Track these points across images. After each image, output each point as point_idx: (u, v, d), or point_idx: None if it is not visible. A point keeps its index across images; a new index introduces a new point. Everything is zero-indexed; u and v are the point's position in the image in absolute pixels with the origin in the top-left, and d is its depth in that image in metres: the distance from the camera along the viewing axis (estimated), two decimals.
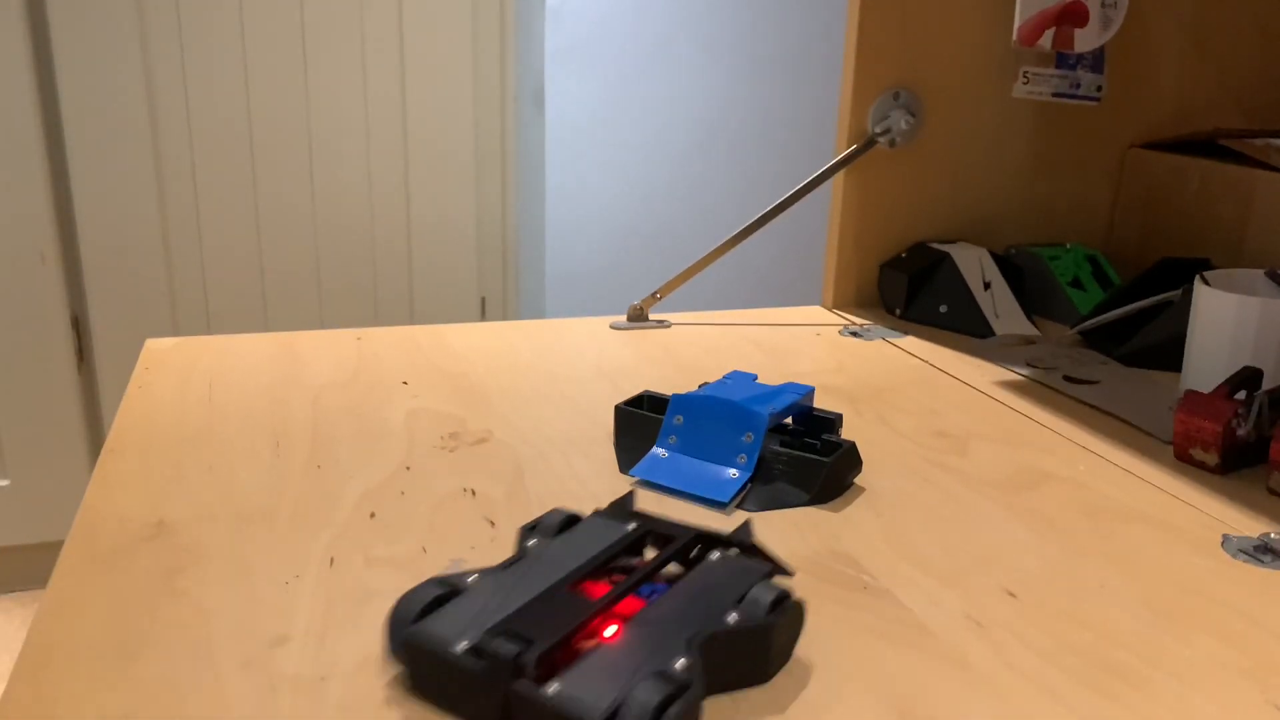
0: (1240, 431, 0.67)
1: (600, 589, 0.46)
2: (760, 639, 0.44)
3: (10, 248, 1.65)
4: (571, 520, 0.51)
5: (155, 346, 0.85)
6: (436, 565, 0.53)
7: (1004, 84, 1.02)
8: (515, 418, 0.73)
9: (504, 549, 0.55)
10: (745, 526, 0.51)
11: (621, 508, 0.53)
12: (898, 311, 1.00)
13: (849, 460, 0.63)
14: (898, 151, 1.01)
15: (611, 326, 0.95)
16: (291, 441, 0.68)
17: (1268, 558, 0.56)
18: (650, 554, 0.49)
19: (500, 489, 0.62)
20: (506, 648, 0.40)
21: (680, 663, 0.41)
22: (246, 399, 0.75)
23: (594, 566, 0.47)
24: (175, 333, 1.78)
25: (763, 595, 0.44)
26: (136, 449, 0.66)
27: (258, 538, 0.55)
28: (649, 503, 0.61)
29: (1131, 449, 0.70)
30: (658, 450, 0.65)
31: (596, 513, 0.52)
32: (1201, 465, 0.67)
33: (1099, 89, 1.02)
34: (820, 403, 0.77)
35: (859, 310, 1.03)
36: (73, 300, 1.72)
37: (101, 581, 0.51)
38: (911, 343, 0.93)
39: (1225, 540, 0.58)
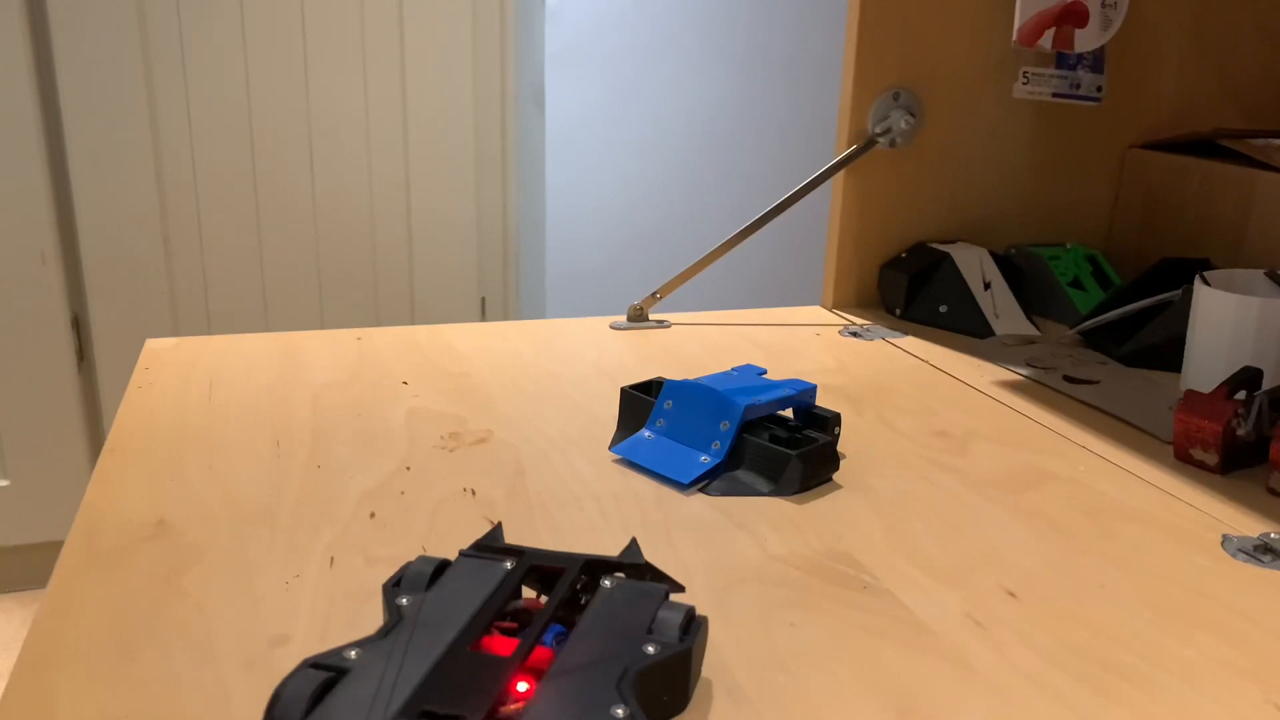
0: (1240, 431, 0.67)
1: (499, 642, 0.41)
2: (680, 666, 0.41)
3: (10, 248, 1.65)
4: (440, 567, 0.46)
5: (155, 346, 0.85)
6: None
7: (1004, 84, 1.02)
8: (516, 417, 0.73)
9: None
10: (633, 546, 0.48)
11: (491, 544, 0.48)
12: (898, 312, 1.00)
13: (820, 456, 0.63)
14: (898, 151, 1.01)
15: (611, 326, 0.95)
16: (292, 441, 0.68)
17: (1268, 558, 0.56)
18: (529, 590, 0.46)
19: (500, 489, 0.62)
20: None
21: (620, 711, 0.37)
22: (247, 399, 0.75)
23: (490, 615, 0.42)
24: (175, 333, 1.78)
25: (672, 618, 0.42)
26: (136, 449, 0.66)
27: (258, 537, 0.55)
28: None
29: (1131, 449, 0.70)
30: (645, 432, 0.68)
31: (464, 553, 0.47)
32: (1201, 465, 0.67)
33: (1099, 89, 1.02)
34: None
35: (859, 310, 1.03)
36: (73, 300, 1.72)
37: (102, 581, 0.51)
38: (911, 343, 0.93)
39: (1225, 540, 0.58)
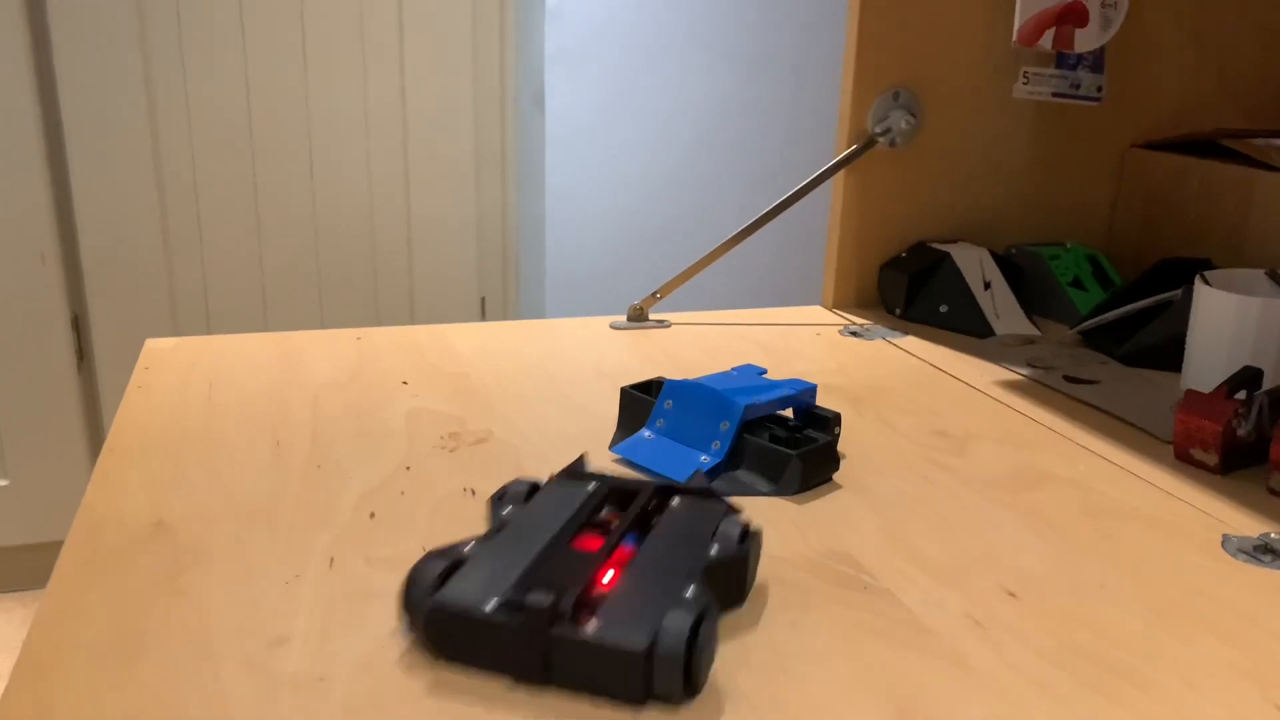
0: (1240, 431, 0.67)
1: (590, 541, 0.49)
2: (739, 566, 0.49)
3: (10, 248, 1.65)
4: (534, 488, 0.54)
5: (155, 346, 0.85)
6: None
7: (1004, 84, 1.02)
8: (515, 418, 0.73)
9: None
10: (697, 475, 0.57)
11: (577, 471, 0.56)
12: (898, 311, 1.00)
13: (820, 456, 0.63)
14: (898, 151, 1.01)
15: (611, 326, 0.95)
16: (291, 441, 0.68)
17: (1268, 558, 0.56)
18: (607, 511, 0.53)
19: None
20: (541, 598, 0.43)
21: (691, 591, 0.45)
22: (246, 399, 0.75)
23: (578, 523, 0.51)
24: (175, 333, 1.78)
25: (731, 529, 0.50)
26: (136, 449, 0.66)
27: (258, 538, 0.55)
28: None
29: (1131, 449, 0.70)
30: (645, 432, 0.68)
31: (554, 478, 0.55)
32: (1201, 465, 0.67)
33: (1099, 89, 1.02)
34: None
35: (859, 310, 1.03)
36: (73, 300, 1.72)
37: (101, 581, 0.51)
38: (911, 343, 0.93)
39: (1225, 540, 0.58)
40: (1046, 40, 0.96)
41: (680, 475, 0.63)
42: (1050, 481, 0.65)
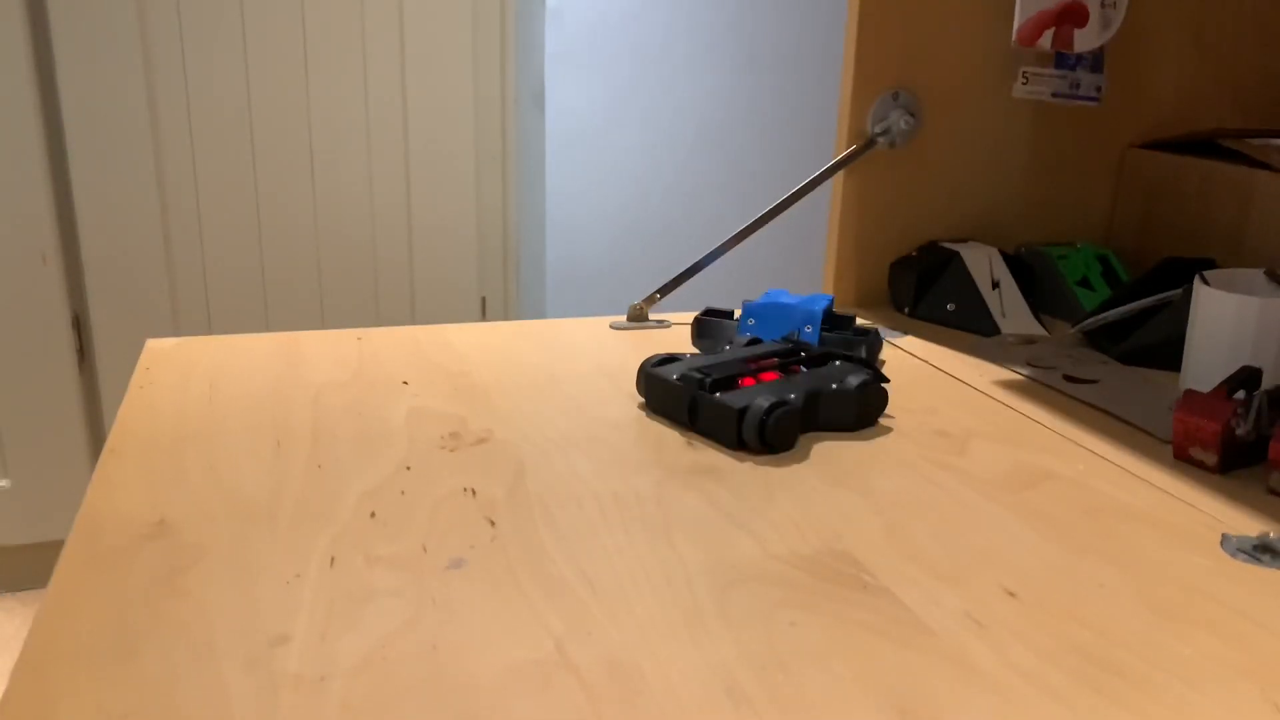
0: (1239, 431, 0.67)
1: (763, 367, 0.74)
2: (847, 400, 0.71)
3: (11, 248, 1.65)
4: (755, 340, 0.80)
5: (156, 346, 0.85)
6: (437, 564, 0.53)
7: (1003, 84, 1.02)
8: (516, 417, 0.73)
9: (504, 548, 0.55)
10: (874, 335, 0.83)
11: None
12: (906, 309, 1.00)
13: (879, 344, 0.84)
14: (897, 152, 1.01)
15: (611, 326, 0.95)
16: (292, 441, 0.68)
17: (1267, 557, 0.56)
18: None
19: (500, 489, 0.62)
20: (695, 376, 0.70)
21: (791, 397, 0.69)
22: (247, 399, 0.75)
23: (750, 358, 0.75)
24: (176, 333, 1.78)
25: (855, 378, 0.71)
26: (137, 449, 0.66)
27: (258, 537, 0.55)
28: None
29: (1131, 448, 0.71)
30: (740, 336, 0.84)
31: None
32: (1201, 464, 0.67)
33: (1099, 89, 1.02)
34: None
35: (859, 310, 1.03)
36: (74, 300, 1.72)
37: (102, 581, 0.51)
38: (912, 342, 0.93)
39: (1224, 540, 0.58)
40: (1046, 40, 0.96)
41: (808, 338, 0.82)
42: (1050, 481, 0.65)
